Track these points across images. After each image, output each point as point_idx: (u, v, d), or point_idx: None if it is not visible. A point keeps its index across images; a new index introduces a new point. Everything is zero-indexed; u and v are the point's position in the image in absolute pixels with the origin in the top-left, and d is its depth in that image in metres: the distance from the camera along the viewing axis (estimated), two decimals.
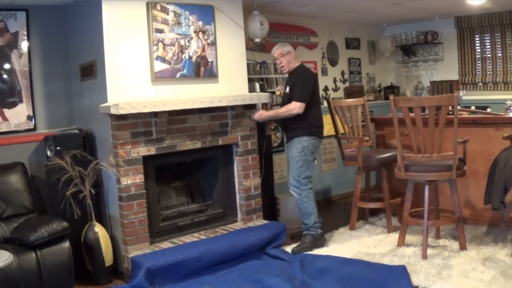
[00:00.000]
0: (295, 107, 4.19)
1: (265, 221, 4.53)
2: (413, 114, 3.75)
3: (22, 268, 3.14)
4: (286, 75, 4.66)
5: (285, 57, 4.34)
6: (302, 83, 4.23)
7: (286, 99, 4.36)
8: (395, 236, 4.34)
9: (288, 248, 4.25)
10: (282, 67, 4.41)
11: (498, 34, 6.09)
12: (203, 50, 4.20)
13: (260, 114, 4.44)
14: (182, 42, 4.07)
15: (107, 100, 3.71)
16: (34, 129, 4.12)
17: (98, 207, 4.00)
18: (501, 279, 3.29)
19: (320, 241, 4.29)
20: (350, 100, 5.09)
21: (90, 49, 3.85)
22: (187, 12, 4.09)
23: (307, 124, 4.25)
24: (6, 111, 4.00)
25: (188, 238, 4.11)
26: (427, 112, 3.75)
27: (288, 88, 4.37)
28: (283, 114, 4.31)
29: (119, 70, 3.77)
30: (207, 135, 4.27)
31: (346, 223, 4.85)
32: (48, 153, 3.92)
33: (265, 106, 4.78)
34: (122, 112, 3.58)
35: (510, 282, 3.24)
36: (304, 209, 4.28)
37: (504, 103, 4.62)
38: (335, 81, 6.35)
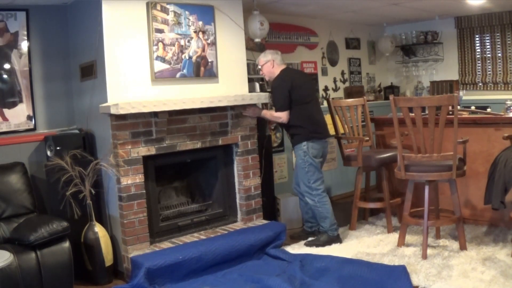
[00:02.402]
0: (280, 116, 4.29)
1: (265, 221, 4.53)
2: (413, 114, 3.75)
3: (22, 268, 3.13)
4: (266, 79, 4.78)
5: (263, 67, 4.42)
6: (276, 92, 4.33)
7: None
8: (395, 236, 4.34)
9: (288, 248, 4.26)
10: (263, 75, 4.56)
11: (498, 34, 6.09)
12: (203, 50, 4.20)
13: (254, 110, 4.44)
14: (182, 42, 4.07)
15: (107, 100, 3.71)
16: (34, 129, 4.12)
17: (98, 207, 4.00)
18: (501, 279, 3.29)
19: (334, 243, 4.32)
20: (350, 100, 5.09)
21: (90, 49, 3.85)
22: (187, 12, 4.08)
23: (301, 129, 4.27)
24: (6, 111, 4.00)
25: (188, 238, 4.11)
26: (427, 112, 3.75)
27: None
28: (269, 118, 4.48)
29: (119, 70, 3.77)
30: (207, 135, 4.27)
31: (346, 223, 4.84)
32: (48, 153, 3.92)
33: (264, 106, 4.79)
34: (122, 112, 3.58)
35: (510, 282, 3.24)
36: (319, 213, 4.33)
37: (504, 103, 4.62)
38: (335, 81, 6.35)
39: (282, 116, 4.27)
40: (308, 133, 4.26)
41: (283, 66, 4.43)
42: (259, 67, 4.49)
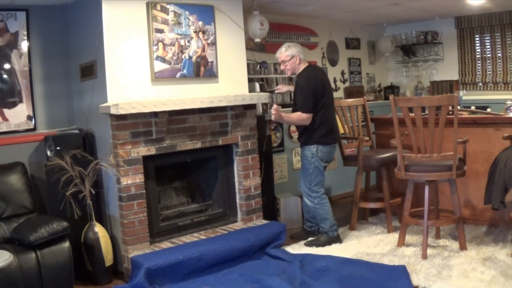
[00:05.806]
0: (306, 118, 4.15)
1: (265, 221, 4.53)
2: (413, 114, 3.75)
3: (22, 268, 3.13)
4: (286, 75, 4.69)
5: (289, 62, 4.30)
6: (302, 93, 4.19)
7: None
8: (395, 236, 4.34)
9: (288, 248, 4.26)
10: (286, 71, 4.37)
11: (498, 34, 6.09)
12: (203, 50, 4.20)
13: (280, 116, 4.11)
14: (182, 42, 4.07)
15: (107, 100, 3.72)
16: (34, 129, 4.12)
17: (98, 207, 4.00)
18: (501, 279, 3.29)
19: (334, 243, 4.31)
20: (350, 100, 5.09)
21: (90, 49, 3.85)
22: (187, 12, 4.08)
23: (314, 131, 4.22)
24: (6, 111, 4.00)
25: (188, 238, 4.11)
26: (427, 112, 3.75)
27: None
28: (295, 122, 4.30)
29: (119, 70, 3.77)
30: (207, 135, 4.27)
31: (346, 223, 4.84)
32: (48, 153, 3.91)
33: (265, 106, 4.79)
34: (122, 112, 3.58)
35: (510, 282, 3.24)
36: (319, 215, 4.33)
37: (504, 103, 4.62)
38: (335, 81, 6.35)
39: (308, 118, 4.14)
40: (320, 136, 4.23)
41: (306, 63, 4.35)
42: (282, 60, 4.31)
